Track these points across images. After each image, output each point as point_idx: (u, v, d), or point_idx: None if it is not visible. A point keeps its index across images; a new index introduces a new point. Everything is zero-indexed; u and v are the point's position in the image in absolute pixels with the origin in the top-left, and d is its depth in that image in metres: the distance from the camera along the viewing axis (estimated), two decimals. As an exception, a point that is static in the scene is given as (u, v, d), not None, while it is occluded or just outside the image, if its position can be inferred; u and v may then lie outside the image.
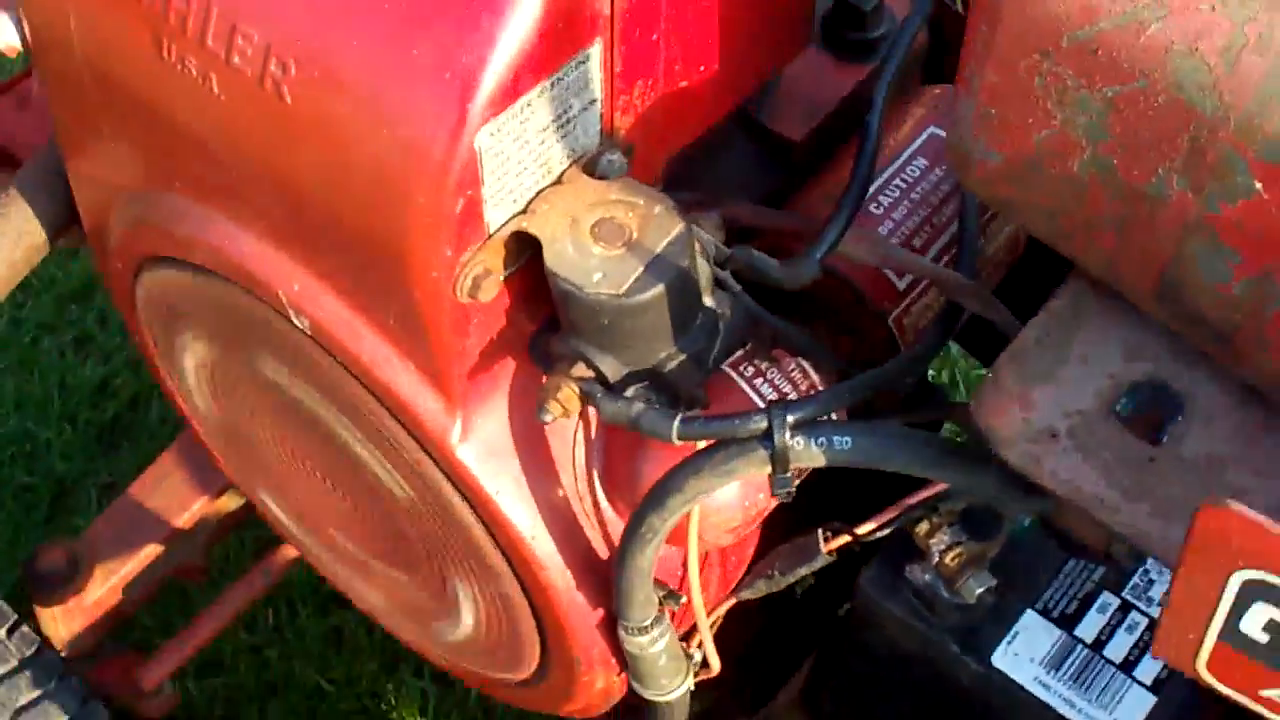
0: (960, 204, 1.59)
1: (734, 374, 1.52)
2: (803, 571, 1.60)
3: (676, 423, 1.35)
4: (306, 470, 1.80)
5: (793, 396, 1.52)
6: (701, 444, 1.40)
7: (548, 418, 1.42)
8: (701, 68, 1.46)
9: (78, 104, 1.64)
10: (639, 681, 1.66)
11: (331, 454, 1.70)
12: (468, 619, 1.78)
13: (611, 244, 1.36)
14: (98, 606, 2.41)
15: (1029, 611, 1.71)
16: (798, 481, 1.43)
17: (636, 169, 1.48)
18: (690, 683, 1.68)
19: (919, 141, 1.67)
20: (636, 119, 1.44)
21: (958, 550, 1.63)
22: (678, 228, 1.37)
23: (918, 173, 1.64)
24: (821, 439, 1.34)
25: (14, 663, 2.09)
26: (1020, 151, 1.23)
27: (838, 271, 1.56)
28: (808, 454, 1.35)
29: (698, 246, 1.44)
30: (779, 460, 1.35)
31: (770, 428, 1.34)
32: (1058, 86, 1.17)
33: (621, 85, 1.39)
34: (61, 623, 2.39)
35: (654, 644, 1.59)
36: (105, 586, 2.40)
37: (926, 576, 1.66)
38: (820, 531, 1.58)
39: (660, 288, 1.34)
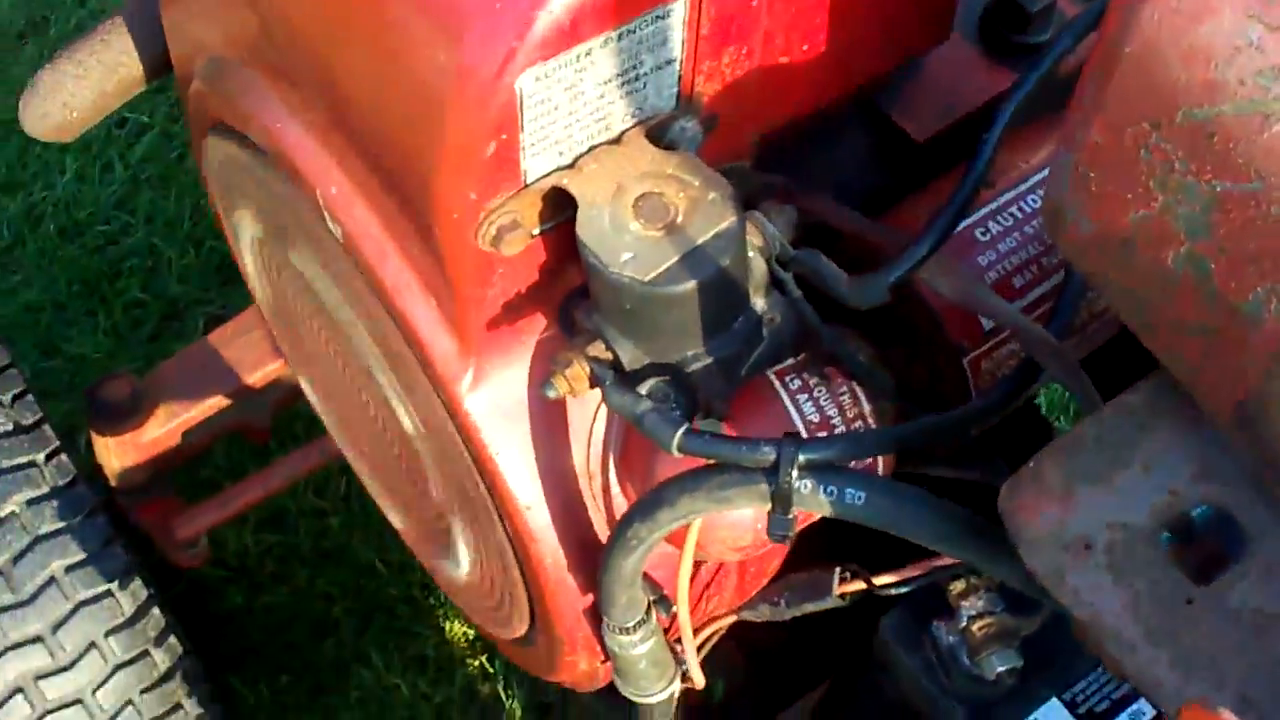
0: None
1: (777, 383, 1.36)
2: (810, 608, 1.45)
3: (680, 433, 1.20)
4: (339, 371, 1.69)
5: (837, 423, 1.36)
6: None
7: (551, 393, 1.28)
8: (807, 44, 1.30)
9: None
10: (619, 677, 1.53)
11: (356, 363, 1.58)
12: (464, 563, 1.66)
13: (651, 223, 1.21)
14: (154, 445, 2.35)
15: (1054, 700, 1.54)
16: (804, 526, 1.27)
17: (719, 142, 1.32)
18: (676, 689, 1.54)
19: (1044, 173, 1.48)
20: (723, 88, 1.28)
21: (988, 620, 1.46)
22: (729, 220, 1.21)
23: (1040, 204, 1.45)
24: (832, 488, 1.19)
25: (45, 489, 2.03)
26: (1114, 225, 1.05)
27: (918, 295, 1.39)
28: (814, 500, 1.19)
29: (758, 241, 1.28)
30: (780, 500, 1.19)
31: (778, 462, 1.18)
32: (1163, 164, 0.99)
33: (708, 49, 1.23)
34: (115, 454, 2.32)
35: (636, 646, 1.45)
36: (165, 427, 2.34)
37: (950, 638, 1.49)
38: (837, 571, 1.42)
39: (691, 284, 1.19)
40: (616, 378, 1.25)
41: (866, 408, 1.37)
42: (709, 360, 1.25)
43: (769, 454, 1.19)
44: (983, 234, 1.44)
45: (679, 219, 1.21)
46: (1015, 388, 1.30)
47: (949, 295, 1.32)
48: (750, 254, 1.28)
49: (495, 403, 1.38)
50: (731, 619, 1.51)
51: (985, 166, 1.31)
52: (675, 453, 1.21)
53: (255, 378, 2.34)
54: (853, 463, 1.26)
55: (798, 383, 1.36)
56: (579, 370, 1.26)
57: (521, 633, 1.63)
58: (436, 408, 1.43)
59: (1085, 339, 1.50)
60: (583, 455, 1.42)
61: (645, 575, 1.45)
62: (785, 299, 1.30)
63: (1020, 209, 1.45)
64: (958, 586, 1.45)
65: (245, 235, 1.72)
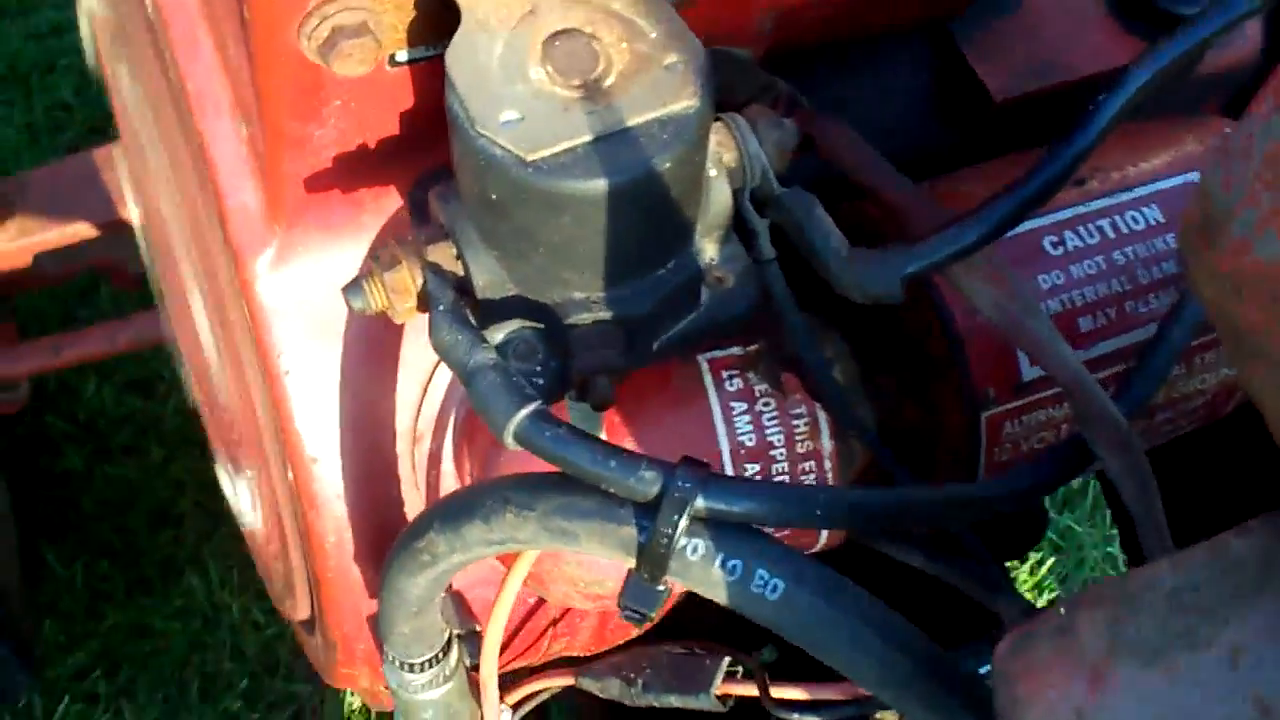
0: (1175, 301, 0.92)
1: (708, 375, 0.88)
2: (674, 703, 0.96)
3: (523, 414, 0.72)
4: (157, 233, 1.20)
5: (778, 457, 0.88)
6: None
7: (357, 304, 0.79)
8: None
9: None
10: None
11: (166, 226, 1.10)
12: (249, 507, 1.17)
13: (565, 76, 0.73)
14: (1, 258, 1.86)
15: None
16: (669, 607, 0.77)
17: (715, 5, 0.83)
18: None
19: (1166, 184, 0.99)
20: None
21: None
22: (687, 104, 0.73)
23: (1141, 225, 0.97)
24: (734, 563, 0.71)
25: None
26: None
27: (939, 305, 0.90)
28: (702, 574, 0.71)
29: (730, 158, 0.80)
30: (650, 560, 0.71)
31: (660, 499, 0.70)
32: None
33: None
34: (-45, 257, 1.85)
35: (422, 691, 0.96)
36: (14, 243, 1.86)
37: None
38: (725, 662, 0.93)
39: (600, 184, 0.71)
40: (456, 304, 0.77)
41: (826, 445, 0.89)
42: (606, 314, 0.77)
43: (650, 483, 0.70)
44: (1054, 244, 0.95)
45: (609, 80, 0.73)
46: (1049, 477, 0.82)
47: (987, 313, 0.83)
48: (712, 172, 0.79)
49: (300, 298, 0.90)
50: (568, 682, 1.02)
51: (1082, 151, 0.82)
52: (507, 442, 0.72)
53: (133, 215, 1.85)
54: (780, 529, 0.77)
55: (738, 384, 0.88)
56: (406, 279, 0.78)
57: (303, 617, 1.14)
58: (228, 290, 0.94)
59: (1152, 429, 1.01)
60: (412, 405, 0.93)
61: (458, 596, 0.97)
62: (749, 256, 0.82)
63: (1114, 226, 0.96)
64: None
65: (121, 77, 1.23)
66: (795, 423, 0.88)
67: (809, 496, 0.72)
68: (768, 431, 0.88)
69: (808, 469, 0.89)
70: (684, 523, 0.70)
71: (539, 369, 0.78)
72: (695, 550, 0.71)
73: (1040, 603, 2.22)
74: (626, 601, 0.73)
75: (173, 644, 2.17)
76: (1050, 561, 2.27)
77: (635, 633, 1.04)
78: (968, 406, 0.92)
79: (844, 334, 0.96)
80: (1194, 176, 0.99)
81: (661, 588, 0.73)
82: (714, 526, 0.71)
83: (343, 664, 1.07)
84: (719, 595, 0.71)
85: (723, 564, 0.70)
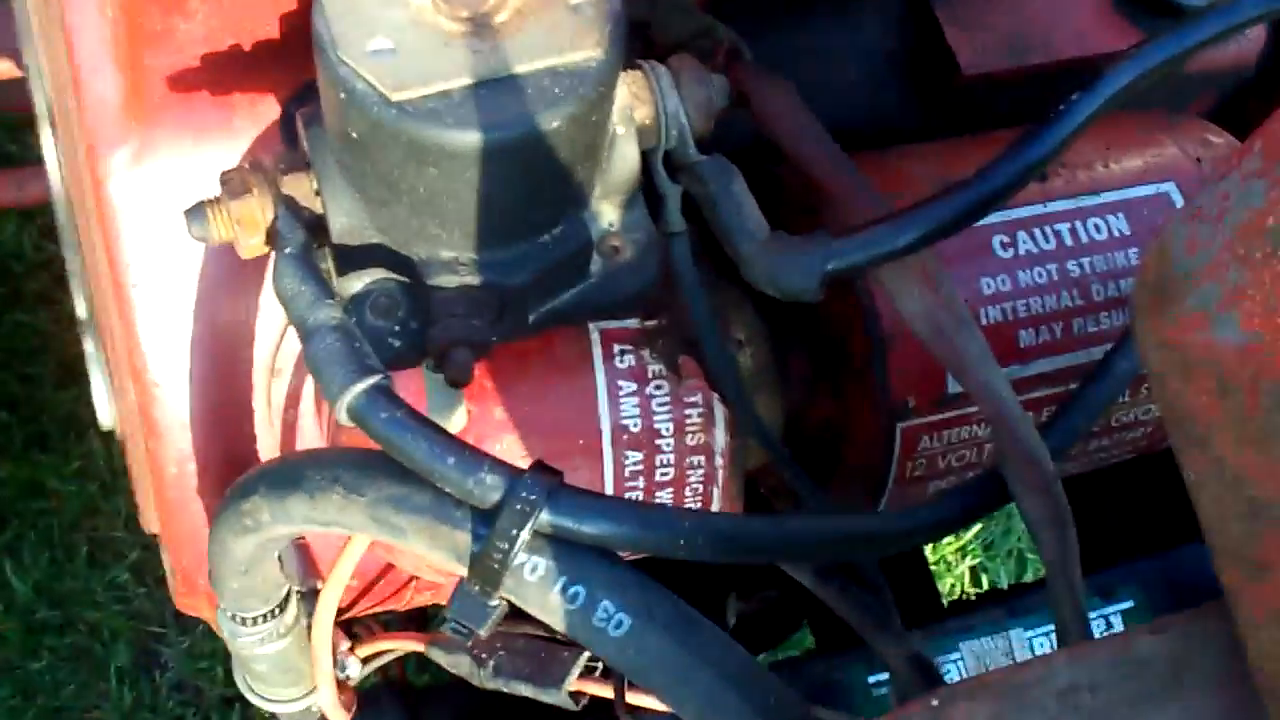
0: (1128, 327, 0.82)
1: (598, 348, 0.78)
2: (524, 691, 0.87)
3: (360, 388, 0.62)
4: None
5: (664, 448, 0.78)
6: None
7: (196, 230, 0.69)
8: None
9: None
10: (234, 666, 0.95)
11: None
12: (105, 406, 1.07)
13: (451, 4, 0.62)
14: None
15: None
16: (492, 625, 0.68)
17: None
18: (320, 702, 0.97)
19: (1137, 193, 0.89)
20: None
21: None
22: (590, 52, 0.63)
23: (1103, 236, 0.87)
24: (576, 590, 0.61)
25: None
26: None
27: (864, 304, 0.81)
28: (536, 596, 0.62)
29: (644, 115, 0.70)
30: (482, 572, 0.62)
31: (501, 507, 0.60)
32: None
33: None
34: None
35: (256, 646, 0.87)
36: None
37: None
38: (582, 657, 0.85)
39: (474, 138, 0.60)
40: (306, 249, 0.66)
41: (720, 440, 0.79)
42: (475, 278, 0.67)
43: (491, 488, 0.61)
44: (1004, 245, 0.85)
45: (501, 16, 0.62)
46: (954, 515, 0.72)
47: (913, 323, 0.73)
48: (619, 129, 0.69)
49: (156, 203, 0.80)
50: (416, 648, 0.93)
51: (1046, 155, 0.72)
52: (340, 416, 0.63)
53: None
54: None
55: (630, 361, 0.78)
56: (254, 211, 0.68)
57: (155, 532, 1.05)
58: (86, 189, 0.84)
59: (1082, 456, 0.92)
60: (274, 336, 0.83)
61: (305, 549, 0.88)
62: (655, 226, 0.72)
63: (1074, 232, 0.86)
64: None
65: None
66: (688, 411, 0.78)
67: (673, 522, 0.62)
68: (657, 417, 0.78)
69: (696, 463, 0.79)
70: (524, 537, 0.60)
71: (397, 328, 0.68)
72: (534, 570, 0.61)
73: (962, 569, 2.15)
74: (453, 613, 0.64)
75: (66, 505, 2.08)
76: (977, 527, 2.19)
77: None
78: (883, 415, 0.82)
79: (763, 311, 0.86)
80: (1169, 188, 0.89)
81: (495, 603, 0.63)
82: (559, 545, 0.61)
83: (183, 594, 0.98)
84: (556, 622, 0.62)
85: (563, 590, 0.61)
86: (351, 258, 0.68)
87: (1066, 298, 0.85)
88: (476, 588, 0.63)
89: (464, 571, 0.63)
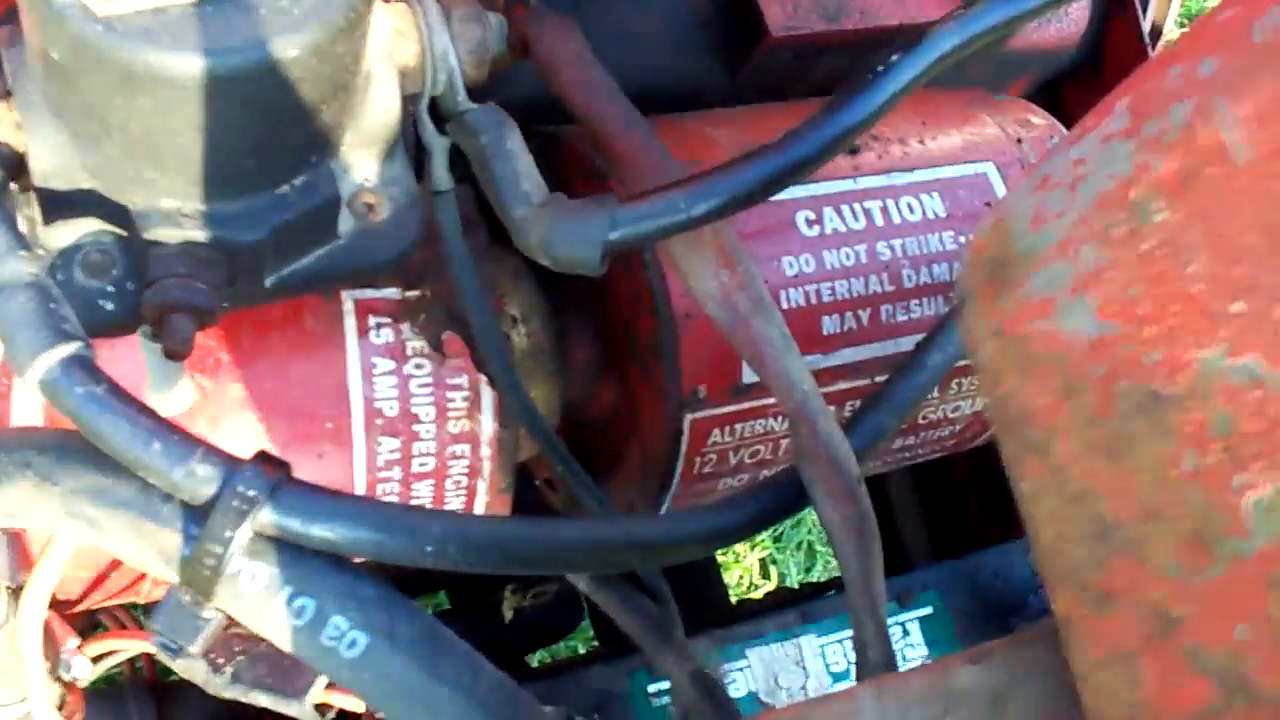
0: (941, 319, 0.75)
1: (351, 318, 0.68)
2: (264, 702, 0.77)
3: (50, 360, 0.51)
4: None
5: (424, 435, 0.69)
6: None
7: None
8: None
9: None
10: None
11: None
12: None
13: (173, -95, 0.51)
14: None
15: None
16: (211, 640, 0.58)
17: None
18: (33, 711, 0.85)
19: (955, 172, 0.82)
20: None
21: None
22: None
23: (916, 216, 0.80)
24: (302, 602, 0.51)
25: None
26: (1154, 362, 0.40)
27: (654, 281, 0.72)
28: (256, 608, 0.52)
29: (408, 56, 0.60)
30: (192, 579, 0.52)
31: (215, 502, 0.50)
32: None
33: None
34: None
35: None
36: None
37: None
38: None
39: (191, 64, 0.50)
40: (3, 184, 0.55)
41: (486, 427, 0.70)
42: (200, 233, 0.57)
43: (203, 481, 0.51)
44: (809, 222, 0.77)
45: (232, -79, 0.52)
46: (742, 522, 0.64)
47: (705, 304, 0.65)
48: (378, 68, 0.59)
49: None
50: (146, 649, 0.83)
51: (857, 123, 0.64)
52: (31, 389, 0.52)
53: None
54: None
55: (387, 336, 0.68)
56: (-70, 142, 0.56)
57: None
58: None
59: (884, 454, 0.85)
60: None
61: (16, 538, 0.77)
62: (418, 183, 0.62)
63: (885, 212, 0.79)
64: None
65: None
66: (451, 395, 0.69)
67: (420, 527, 0.53)
68: (415, 400, 0.69)
69: (460, 453, 0.70)
70: (241, 539, 0.51)
71: (111, 289, 0.58)
72: (253, 578, 0.51)
73: (751, 560, 2.08)
74: (158, 624, 0.54)
75: None
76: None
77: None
78: (671, 404, 0.74)
79: (544, 286, 0.77)
80: (987, 169, 0.82)
81: (208, 615, 0.53)
82: (284, 550, 0.52)
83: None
84: (280, 640, 0.53)
85: (288, 602, 0.51)
86: (59, 204, 0.57)
87: (875, 282, 0.78)
88: (187, 597, 0.53)
89: (171, 577, 0.53)
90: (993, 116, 0.86)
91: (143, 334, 0.60)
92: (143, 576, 0.84)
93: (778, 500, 0.65)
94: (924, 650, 0.99)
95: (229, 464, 0.51)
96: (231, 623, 0.56)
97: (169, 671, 1.27)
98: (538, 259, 0.62)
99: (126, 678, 1.10)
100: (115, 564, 0.82)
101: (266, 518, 0.51)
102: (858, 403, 0.72)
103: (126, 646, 0.86)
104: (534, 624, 1.23)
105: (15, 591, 0.78)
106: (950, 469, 1.15)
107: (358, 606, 0.52)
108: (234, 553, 0.51)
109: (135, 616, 0.98)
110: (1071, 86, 1.00)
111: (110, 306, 0.58)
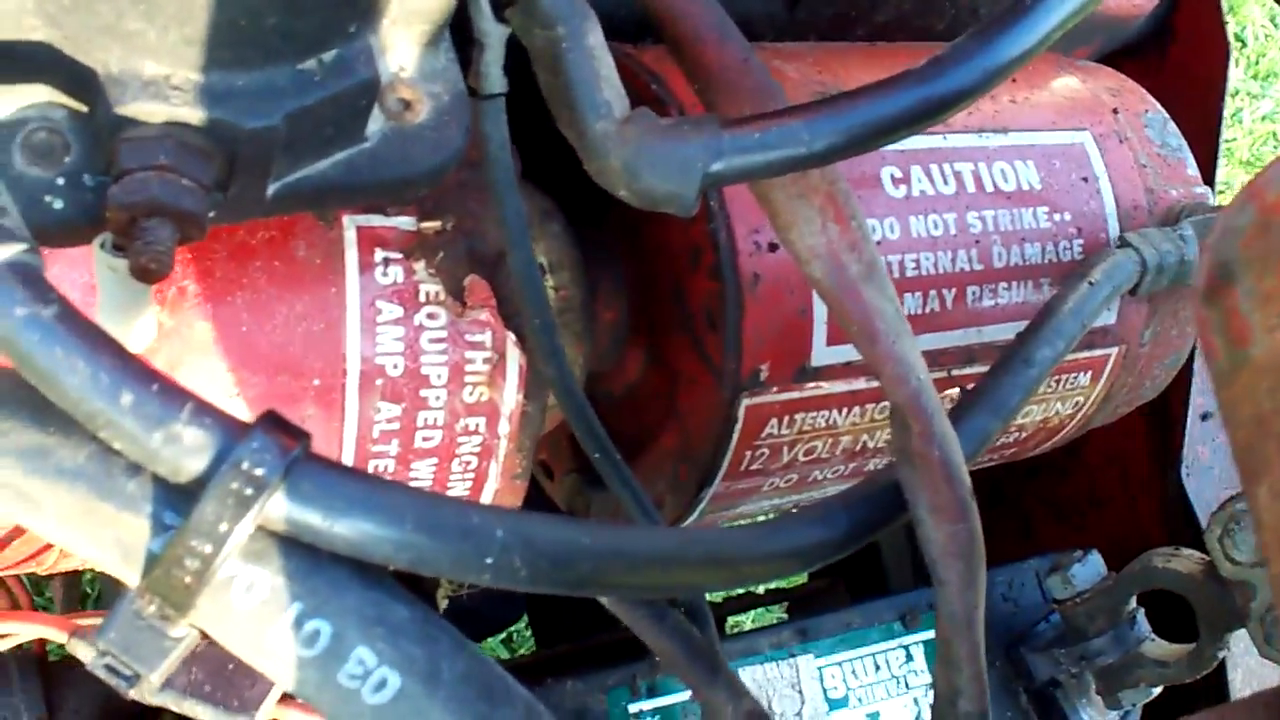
0: (1044, 310, 0.62)
1: (353, 249, 0.53)
2: (202, 715, 0.61)
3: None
4: None
5: (433, 403, 0.53)
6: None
7: None
8: None
9: None
10: None
11: None
12: None
13: None
14: None
15: None
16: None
17: None
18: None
19: (1051, 139, 0.68)
20: None
21: None
22: None
23: (1010, 185, 0.66)
24: (315, 625, 0.36)
25: None
26: None
27: (719, 226, 0.58)
28: (251, 629, 0.37)
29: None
30: (162, 585, 0.36)
31: (204, 483, 0.35)
32: None
33: None
34: None
35: None
36: None
37: None
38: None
39: None
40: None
41: (508, 398, 0.55)
42: (193, 113, 0.41)
43: (193, 449, 0.35)
44: (895, 180, 0.63)
45: None
46: (851, 531, 0.50)
47: (810, 263, 0.50)
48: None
49: None
50: (52, 636, 0.67)
51: (1028, 46, 0.50)
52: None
53: None
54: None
55: (397, 275, 0.53)
56: None
57: None
58: None
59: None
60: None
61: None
62: (464, 79, 0.47)
63: (977, 176, 0.65)
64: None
65: None
66: (471, 355, 0.54)
67: (482, 529, 0.38)
68: (426, 358, 0.53)
69: (473, 427, 0.55)
70: (241, 535, 0.35)
71: (61, 181, 0.42)
72: (249, 589, 0.36)
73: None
74: (107, 642, 0.38)
75: None
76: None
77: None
78: (726, 385, 0.59)
79: (577, 228, 0.62)
80: (1084, 139, 0.69)
81: (180, 633, 0.38)
82: (294, 553, 0.36)
83: None
84: (279, 673, 0.37)
85: (297, 623, 0.36)
86: (5, 62, 0.41)
87: (964, 259, 0.64)
88: (151, 608, 0.37)
89: (132, 579, 0.37)
90: (1083, 81, 0.73)
91: (100, 246, 0.44)
92: (47, 548, 0.68)
93: (877, 510, 0.52)
94: (927, 678, 0.86)
95: (229, 429, 0.36)
96: (208, 642, 0.41)
97: (60, 648, 1.08)
98: (613, 188, 0.48)
99: (11, 654, 0.93)
100: (15, 532, 0.66)
101: (277, 507, 0.35)
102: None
103: (20, 632, 0.69)
104: (470, 615, 1.08)
105: (-108, 560, 0.62)
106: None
107: (389, 635, 0.37)
108: (228, 553, 0.35)
109: (27, 588, 0.82)
110: (1130, 63, 0.88)
111: (59, 205, 0.42)
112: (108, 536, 0.37)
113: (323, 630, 0.36)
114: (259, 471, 0.35)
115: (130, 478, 0.37)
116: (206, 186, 0.42)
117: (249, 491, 0.35)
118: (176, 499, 0.36)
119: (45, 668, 0.96)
